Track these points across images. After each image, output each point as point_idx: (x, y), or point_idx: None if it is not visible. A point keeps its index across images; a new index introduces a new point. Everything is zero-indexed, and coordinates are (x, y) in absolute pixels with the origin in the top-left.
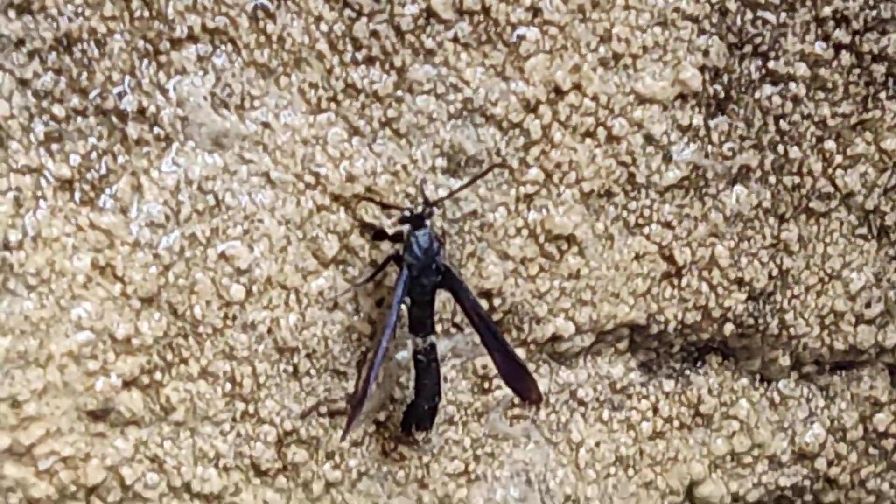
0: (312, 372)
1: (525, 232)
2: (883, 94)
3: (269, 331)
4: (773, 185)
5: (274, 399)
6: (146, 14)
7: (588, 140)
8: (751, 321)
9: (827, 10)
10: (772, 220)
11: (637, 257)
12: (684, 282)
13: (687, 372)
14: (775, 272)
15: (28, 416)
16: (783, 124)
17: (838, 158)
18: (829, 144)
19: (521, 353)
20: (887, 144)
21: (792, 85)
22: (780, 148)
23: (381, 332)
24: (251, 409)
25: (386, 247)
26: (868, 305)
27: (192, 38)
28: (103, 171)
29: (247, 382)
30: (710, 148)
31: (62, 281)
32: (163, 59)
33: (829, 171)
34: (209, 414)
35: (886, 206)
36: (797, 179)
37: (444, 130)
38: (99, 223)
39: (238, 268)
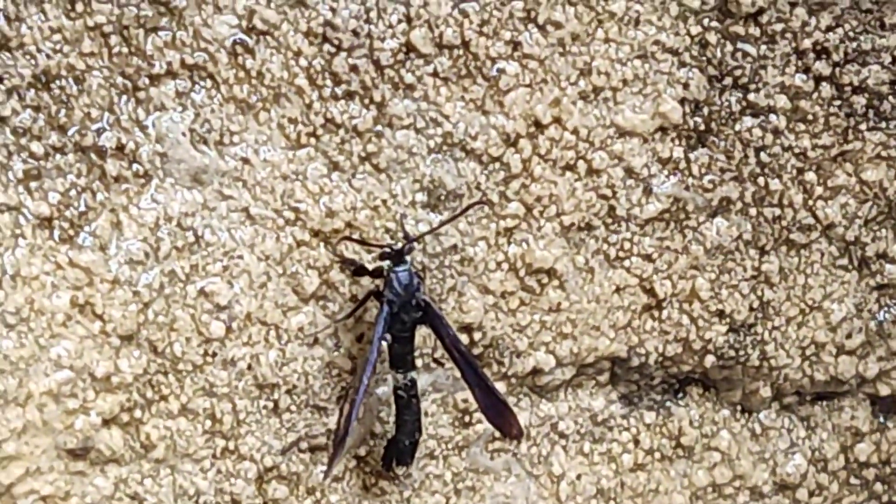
0: (293, 408)
1: (505, 266)
2: (863, 126)
3: (250, 367)
4: (753, 217)
5: (254, 435)
6: (125, 50)
7: (568, 173)
8: (731, 353)
9: (807, 43)
10: (752, 251)
11: (617, 290)
12: (665, 314)
13: (668, 404)
14: (756, 304)
15: (7, 455)
16: (763, 156)
17: (819, 190)
18: (810, 176)
19: (501, 386)
20: (868, 176)
21: (772, 117)
22: (761, 180)
23: (362, 368)
24: (231, 445)
25: (366, 282)
26: (849, 336)
27: (170, 73)
28: (82, 208)
29: (227, 419)
30: (690, 180)
31: (41, 319)
32: (141, 95)
33: (810, 202)
34: (189, 451)
35: (867, 238)
36: (778, 211)
37: (424, 165)
38: (78, 261)
39: (218, 304)
